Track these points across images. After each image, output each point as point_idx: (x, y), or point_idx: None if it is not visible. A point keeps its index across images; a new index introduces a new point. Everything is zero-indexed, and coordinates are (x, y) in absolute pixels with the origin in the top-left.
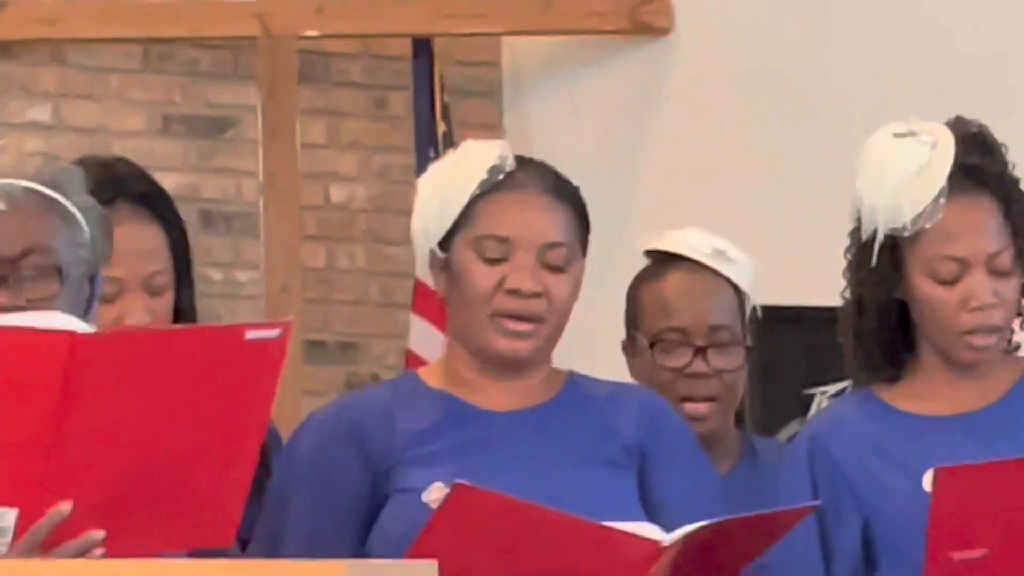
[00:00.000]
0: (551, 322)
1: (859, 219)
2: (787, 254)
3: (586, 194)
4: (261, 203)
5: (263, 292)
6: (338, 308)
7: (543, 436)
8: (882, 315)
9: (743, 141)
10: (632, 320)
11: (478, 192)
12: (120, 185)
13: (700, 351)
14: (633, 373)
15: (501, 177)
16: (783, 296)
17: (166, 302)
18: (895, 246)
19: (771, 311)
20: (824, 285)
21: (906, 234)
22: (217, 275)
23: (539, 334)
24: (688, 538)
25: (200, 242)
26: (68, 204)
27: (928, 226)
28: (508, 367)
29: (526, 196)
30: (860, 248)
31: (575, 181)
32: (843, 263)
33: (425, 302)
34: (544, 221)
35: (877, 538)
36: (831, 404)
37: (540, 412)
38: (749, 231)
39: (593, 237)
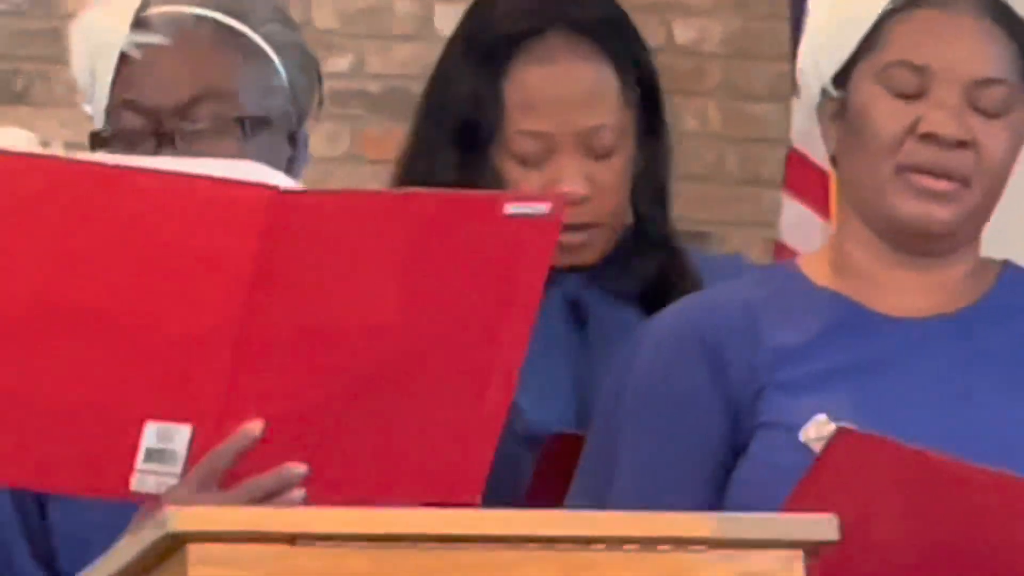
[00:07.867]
0: (980, 186)
1: None
2: None
3: None
4: None
5: None
6: (682, 186)
7: (966, 352)
8: None
9: None
10: None
11: (891, 7)
12: (557, 7)
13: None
14: None
15: None
16: None
17: (614, 171)
18: None
19: None
20: None
21: None
22: None
23: (963, 199)
24: None
25: None
26: (256, 36)
27: None
28: (918, 245)
29: (957, 16)
30: None
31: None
32: None
33: (801, 177)
34: (977, 49)
35: None
36: None
37: (962, 318)
38: None
39: None
